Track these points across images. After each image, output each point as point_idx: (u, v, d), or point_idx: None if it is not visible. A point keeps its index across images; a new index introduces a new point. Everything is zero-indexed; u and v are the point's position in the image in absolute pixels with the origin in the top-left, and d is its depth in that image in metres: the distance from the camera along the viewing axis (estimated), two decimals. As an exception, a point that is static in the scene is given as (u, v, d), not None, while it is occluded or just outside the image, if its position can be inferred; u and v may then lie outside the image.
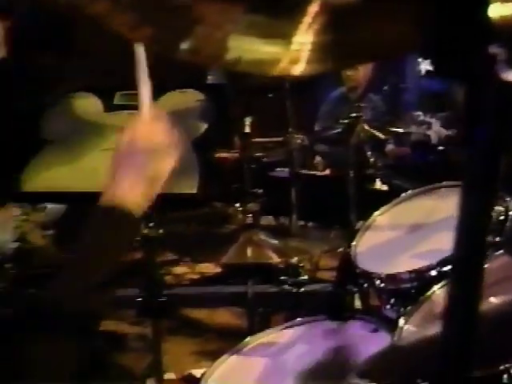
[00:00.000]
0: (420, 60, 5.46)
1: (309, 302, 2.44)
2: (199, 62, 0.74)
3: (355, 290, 2.14)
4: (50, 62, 2.60)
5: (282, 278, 2.45)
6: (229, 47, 0.66)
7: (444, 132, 4.05)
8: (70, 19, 3.59)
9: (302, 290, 2.41)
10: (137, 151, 1.36)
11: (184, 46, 0.66)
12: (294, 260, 2.33)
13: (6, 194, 2.36)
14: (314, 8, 0.65)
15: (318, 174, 4.29)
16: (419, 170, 4.01)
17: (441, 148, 4.11)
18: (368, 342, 1.72)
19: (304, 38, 0.65)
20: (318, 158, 4.59)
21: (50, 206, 2.91)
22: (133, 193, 1.31)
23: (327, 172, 4.40)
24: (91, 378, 1.43)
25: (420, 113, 4.18)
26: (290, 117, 2.60)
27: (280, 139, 2.80)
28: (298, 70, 0.66)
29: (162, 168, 1.37)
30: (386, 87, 4.84)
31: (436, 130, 4.05)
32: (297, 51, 0.65)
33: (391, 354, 1.46)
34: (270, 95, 2.73)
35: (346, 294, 2.12)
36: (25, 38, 3.44)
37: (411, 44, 0.63)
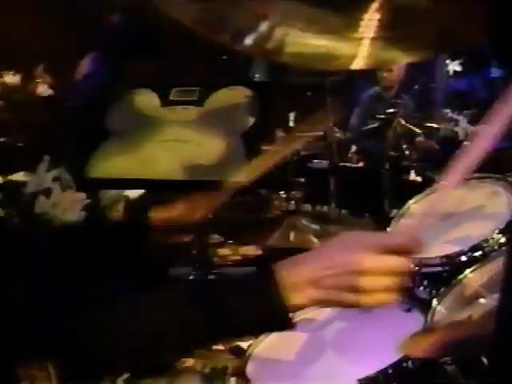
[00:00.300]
0: (448, 61, 5.39)
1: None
2: (262, 55, 0.73)
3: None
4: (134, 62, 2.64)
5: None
6: (289, 42, 0.66)
7: (471, 128, 4.02)
8: (157, 26, 3.67)
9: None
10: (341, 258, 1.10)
11: (248, 40, 0.66)
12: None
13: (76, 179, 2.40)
14: (375, 5, 0.63)
15: (353, 166, 4.28)
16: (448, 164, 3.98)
17: (467, 143, 4.06)
18: (402, 321, 1.71)
19: (364, 34, 0.64)
20: (352, 151, 4.58)
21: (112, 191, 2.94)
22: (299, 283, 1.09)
23: (360, 164, 4.40)
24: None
25: (448, 110, 4.15)
26: (329, 113, 2.60)
27: (321, 133, 2.79)
28: (357, 64, 0.65)
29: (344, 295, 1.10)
30: (416, 87, 4.81)
31: (463, 127, 4.01)
32: (356, 46, 0.64)
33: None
34: (308, 93, 2.73)
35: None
36: (118, 41, 3.51)
37: (472, 38, 0.62)
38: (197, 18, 0.64)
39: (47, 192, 2.73)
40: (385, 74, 4.27)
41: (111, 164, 2.14)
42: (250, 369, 1.70)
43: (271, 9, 0.65)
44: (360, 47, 0.62)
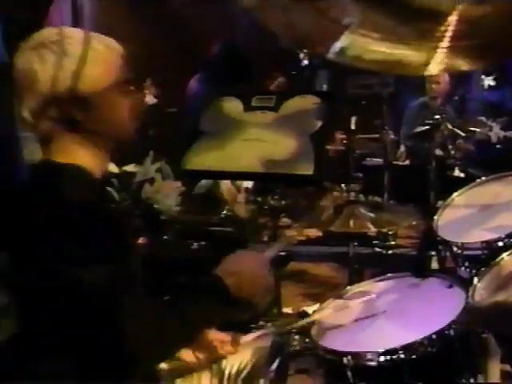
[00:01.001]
0: (483, 77, 5.32)
1: (394, 261, 2.37)
2: (345, 62, 0.70)
3: (433, 254, 2.05)
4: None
5: (374, 242, 2.39)
6: (368, 49, 0.62)
7: (502, 133, 3.92)
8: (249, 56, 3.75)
9: (390, 252, 2.33)
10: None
11: (334, 48, 0.62)
12: (384, 229, 2.26)
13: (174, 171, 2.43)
14: (453, 17, 0.59)
15: (403, 163, 4.19)
16: (486, 163, 3.88)
17: (499, 146, 3.99)
18: (444, 296, 1.64)
19: (439, 43, 0.60)
20: (400, 151, 4.49)
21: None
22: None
23: (407, 162, 4.32)
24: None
25: (483, 118, 4.06)
26: (384, 118, 2.53)
27: (377, 136, 2.73)
28: (430, 70, 0.61)
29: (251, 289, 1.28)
30: (456, 97, 4.71)
31: (495, 132, 3.92)
32: (430, 55, 0.60)
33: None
34: (363, 102, 2.67)
35: (427, 257, 2.03)
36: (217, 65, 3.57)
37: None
38: (289, 30, 0.62)
39: (151, 181, 2.79)
40: (433, 86, 4.18)
41: (202, 158, 2.14)
42: (313, 330, 1.68)
43: (352, 18, 0.62)
44: (432, 55, 0.59)
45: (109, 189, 2.66)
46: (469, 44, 0.61)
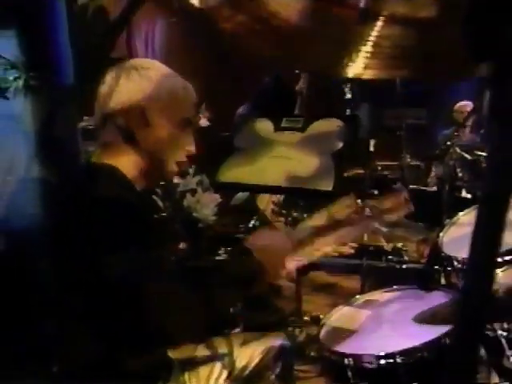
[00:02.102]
0: None
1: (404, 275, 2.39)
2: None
3: (439, 269, 2.07)
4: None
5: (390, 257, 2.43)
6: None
7: None
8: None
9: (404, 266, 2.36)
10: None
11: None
12: (399, 245, 2.30)
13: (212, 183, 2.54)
14: (380, 21, 0.60)
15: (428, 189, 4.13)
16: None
17: None
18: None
19: (364, 47, 0.61)
20: (431, 176, 4.45)
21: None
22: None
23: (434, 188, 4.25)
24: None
25: None
26: (403, 145, 2.57)
27: (396, 163, 2.76)
28: (354, 73, 0.62)
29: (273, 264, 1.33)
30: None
31: None
32: (356, 57, 0.61)
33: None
34: (398, 133, 2.71)
35: (434, 272, 2.06)
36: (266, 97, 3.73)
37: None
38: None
39: (193, 191, 2.93)
40: (459, 115, 4.15)
41: (235, 172, 2.26)
42: (322, 334, 1.74)
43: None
44: (355, 58, 0.60)
45: (154, 197, 2.82)
46: (392, 52, 0.60)
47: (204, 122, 4.04)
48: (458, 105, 4.75)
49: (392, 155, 2.91)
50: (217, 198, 2.88)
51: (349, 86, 3.31)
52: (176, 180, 2.95)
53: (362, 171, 2.68)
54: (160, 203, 2.88)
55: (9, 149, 2.15)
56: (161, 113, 1.32)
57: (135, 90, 1.29)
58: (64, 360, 1.19)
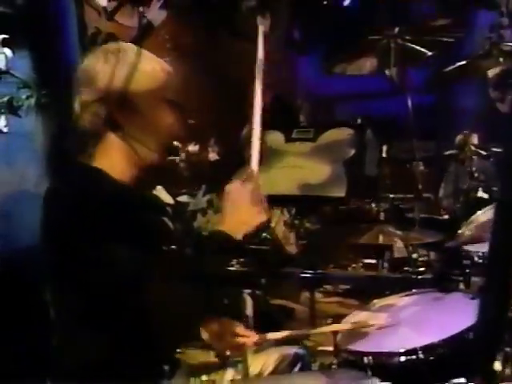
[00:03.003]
0: None
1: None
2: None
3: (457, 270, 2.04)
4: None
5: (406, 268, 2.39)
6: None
7: None
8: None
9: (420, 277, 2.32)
10: (237, 197, 1.34)
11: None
12: (415, 255, 2.28)
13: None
14: None
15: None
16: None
17: None
18: (467, 306, 1.65)
19: None
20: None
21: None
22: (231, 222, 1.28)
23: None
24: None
25: None
26: (417, 179, 2.55)
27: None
28: None
29: (249, 216, 1.31)
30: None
31: None
32: None
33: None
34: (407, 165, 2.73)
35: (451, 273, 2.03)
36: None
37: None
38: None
39: (203, 211, 2.94)
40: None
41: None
42: (339, 338, 1.71)
43: None
44: None
45: (164, 218, 2.83)
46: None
47: (213, 156, 4.10)
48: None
49: (403, 187, 2.93)
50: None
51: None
52: (185, 199, 2.97)
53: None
54: (170, 224, 2.89)
55: (19, 165, 2.18)
56: (142, 96, 1.29)
57: (114, 73, 1.23)
58: (64, 361, 1.20)
